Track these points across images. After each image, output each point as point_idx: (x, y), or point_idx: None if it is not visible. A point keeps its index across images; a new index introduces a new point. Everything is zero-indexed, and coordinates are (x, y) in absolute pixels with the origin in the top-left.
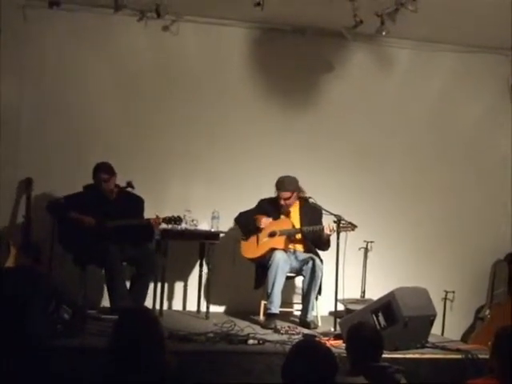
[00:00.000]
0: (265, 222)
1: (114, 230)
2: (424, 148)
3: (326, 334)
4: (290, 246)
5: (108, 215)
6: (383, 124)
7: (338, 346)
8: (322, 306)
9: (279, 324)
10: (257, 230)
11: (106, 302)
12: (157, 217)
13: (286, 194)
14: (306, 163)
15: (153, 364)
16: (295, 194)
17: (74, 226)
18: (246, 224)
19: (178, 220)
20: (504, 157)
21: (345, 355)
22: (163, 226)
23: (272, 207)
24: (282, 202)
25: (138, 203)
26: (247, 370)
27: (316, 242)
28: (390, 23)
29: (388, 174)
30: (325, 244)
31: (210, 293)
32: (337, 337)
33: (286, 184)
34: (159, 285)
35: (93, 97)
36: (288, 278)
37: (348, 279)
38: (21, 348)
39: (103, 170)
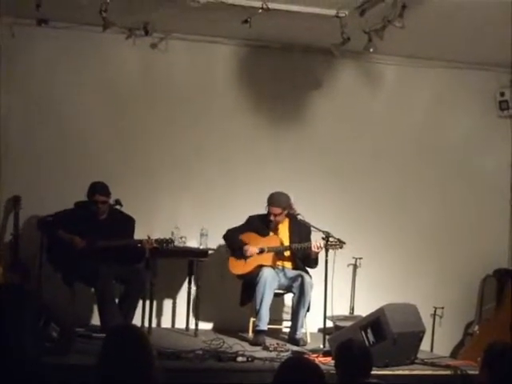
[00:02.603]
0: (251, 251)
1: (104, 250)
2: (412, 164)
3: (315, 351)
4: (279, 262)
5: (99, 234)
6: (371, 140)
7: (327, 362)
8: (311, 323)
9: (268, 341)
10: (243, 257)
11: (95, 320)
12: (148, 238)
13: (277, 210)
14: (294, 179)
15: (141, 381)
16: (285, 212)
17: (63, 244)
18: (234, 247)
19: (169, 242)
20: (493, 172)
21: (334, 372)
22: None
23: (261, 223)
24: (272, 218)
25: (128, 223)
26: None
27: (304, 259)
28: (378, 40)
29: (376, 190)
30: (313, 262)
31: (199, 310)
32: (326, 354)
33: (277, 200)
34: (148, 302)
35: (81, 114)
36: (277, 294)
37: (337, 296)
38: (9, 366)
39: (100, 192)
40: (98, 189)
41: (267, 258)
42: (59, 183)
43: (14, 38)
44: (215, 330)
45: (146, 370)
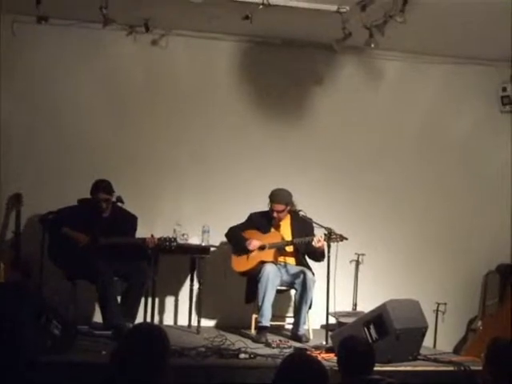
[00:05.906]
0: (254, 245)
1: (107, 247)
2: (415, 160)
3: (317, 348)
4: (281, 259)
5: (101, 231)
6: (374, 136)
7: (329, 359)
8: (314, 320)
9: (270, 338)
10: (246, 251)
11: (97, 318)
12: (152, 236)
13: (280, 207)
14: (297, 176)
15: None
16: (288, 208)
17: (66, 241)
18: (236, 243)
19: (172, 241)
20: (495, 167)
21: (336, 368)
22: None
23: (263, 220)
24: (275, 215)
25: (131, 220)
26: None
27: (311, 253)
28: (379, 35)
29: (379, 186)
30: (320, 255)
31: (201, 307)
32: (328, 350)
33: (280, 197)
34: (150, 299)
35: (82, 111)
36: (280, 291)
37: (339, 292)
38: (9, 364)
39: (104, 190)
40: (102, 187)
41: (269, 255)
42: (61, 181)
43: (15, 35)
44: (217, 327)
45: (163, 369)
